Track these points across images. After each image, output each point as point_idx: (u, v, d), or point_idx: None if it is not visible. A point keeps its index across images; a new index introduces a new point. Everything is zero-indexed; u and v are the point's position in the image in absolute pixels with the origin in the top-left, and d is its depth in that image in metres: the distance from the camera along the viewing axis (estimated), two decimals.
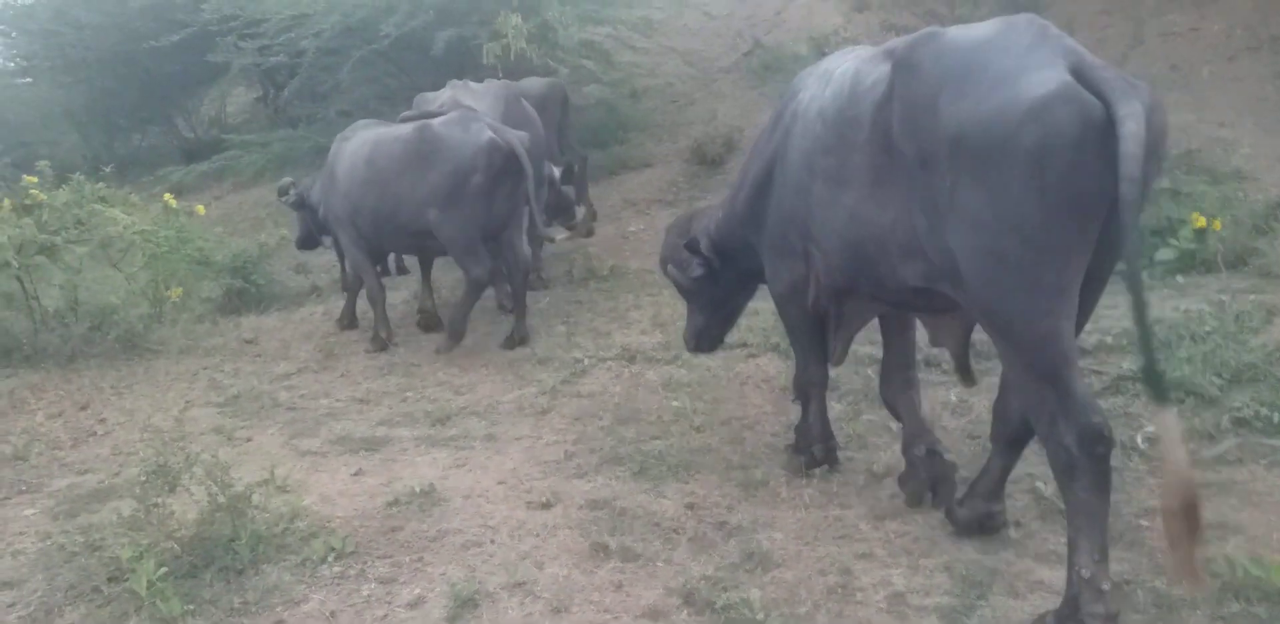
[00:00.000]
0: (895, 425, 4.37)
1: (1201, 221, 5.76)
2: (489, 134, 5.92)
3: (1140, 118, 2.38)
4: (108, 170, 8.34)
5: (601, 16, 10.17)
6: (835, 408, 4.57)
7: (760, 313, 5.31)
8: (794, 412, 4.21)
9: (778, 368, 5.25)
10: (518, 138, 6.02)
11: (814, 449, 3.97)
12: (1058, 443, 2.65)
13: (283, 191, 7.39)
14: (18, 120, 14.11)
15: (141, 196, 8.00)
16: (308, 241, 7.75)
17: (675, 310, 6.25)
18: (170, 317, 7.23)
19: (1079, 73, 2.49)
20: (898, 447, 4.15)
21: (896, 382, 3.82)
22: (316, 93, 11.23)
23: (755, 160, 3.85)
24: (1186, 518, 2.34)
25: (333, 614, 3.21)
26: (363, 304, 7.30)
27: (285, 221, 9.30)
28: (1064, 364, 2.62)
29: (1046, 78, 2.48)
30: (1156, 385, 2.45)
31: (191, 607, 3.24)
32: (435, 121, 6.14)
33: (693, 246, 4.26)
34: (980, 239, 2.61)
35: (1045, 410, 2.67)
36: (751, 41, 11.38)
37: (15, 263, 6.39)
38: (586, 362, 5.64)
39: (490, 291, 6.81)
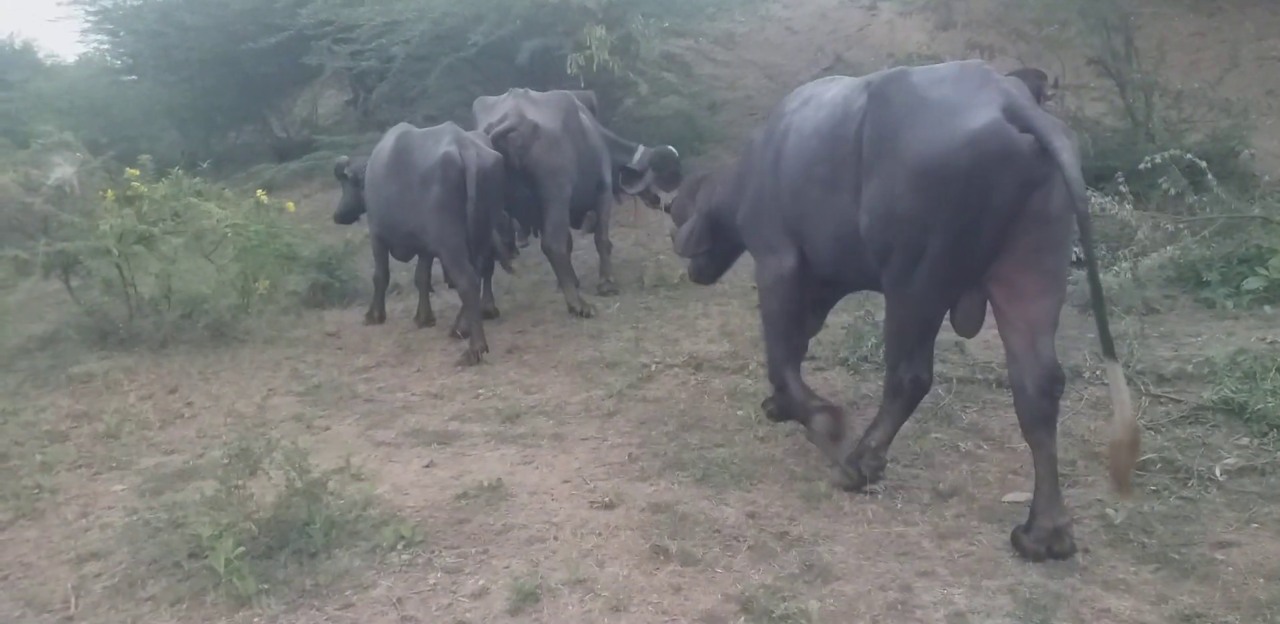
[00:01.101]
0: (963, 445, 4.34)
1: None
2: (446, 149, 6.13)
3: (1071, 150, 3.06)
4: (204, 166, 8.73)
5: (684, 29, 10.24)
6: (904, 426, 4.54)
7: (829, 327, 5.29)
8: (861, 427, 4.19)
9: (845, 382, 5.24)
10: (479, 157, 6.20)
11: (816, 419, 4.14)
12: (896, 375, 3.76)
13: (338, 169, 7.81)
14: (122, 116, 14.64)
15: (235, 192, 8.28)
16: (347, 216, 8.09)
17: (743, 320, 6.28)
18: (257, 308, 7.47)
19: (1010, 111, 3.12)
20: (964, 466, 4.13)
21: None
22: (405, 97, 11.49)
23: (753, 174, 4.34)
24: (1130, 450, 3.10)
25: (399, 601, 3.31)
26: (439, 302, 7.51)
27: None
28: (933, 329, 3.57)
29: (982, 114, 3.14)
30: (1106, 342, 3.10)
31: (266, 586, 3.37)
32: (415, 131, 6.57)
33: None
34: (912, 233, 3.30)
35: (901, 356, 3.74)
36: (833, 57, 11.32)
37: (115, 251, 6.69)
38: (654, 367, 5.69)
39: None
